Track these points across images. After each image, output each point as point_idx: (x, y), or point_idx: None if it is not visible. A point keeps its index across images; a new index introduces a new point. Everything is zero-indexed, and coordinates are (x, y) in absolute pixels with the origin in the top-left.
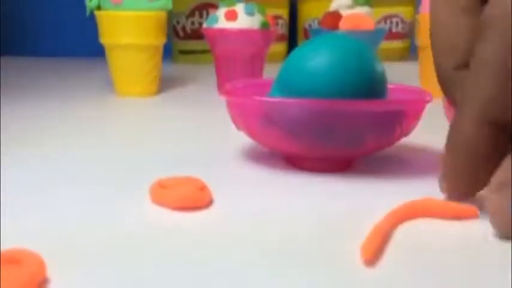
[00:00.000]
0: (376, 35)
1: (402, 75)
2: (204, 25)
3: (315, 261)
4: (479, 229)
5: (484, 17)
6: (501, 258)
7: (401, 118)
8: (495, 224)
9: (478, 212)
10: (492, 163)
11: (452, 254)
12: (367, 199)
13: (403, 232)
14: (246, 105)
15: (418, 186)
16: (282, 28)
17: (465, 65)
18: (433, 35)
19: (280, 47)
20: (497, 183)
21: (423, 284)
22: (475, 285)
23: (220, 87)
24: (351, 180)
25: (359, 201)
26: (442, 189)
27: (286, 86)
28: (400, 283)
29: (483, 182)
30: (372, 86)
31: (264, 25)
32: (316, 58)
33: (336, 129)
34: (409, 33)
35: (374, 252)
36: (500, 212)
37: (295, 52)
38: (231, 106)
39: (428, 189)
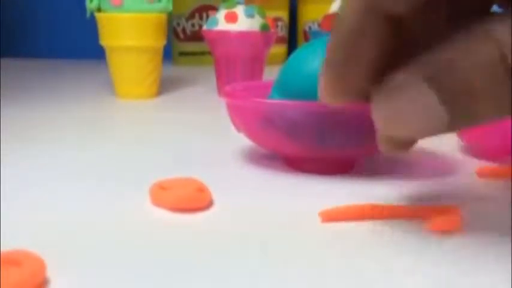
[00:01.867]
0: None
1: None
2: (204, 27)
3: (315, 262)
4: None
5: None
6: (501, 258)
7: None
8: (384, 128)
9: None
10: (372, 54)
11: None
12: (367, 200)
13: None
14: (246, 107)
15: (418, 188)
16: (282, 30)
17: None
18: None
19: (280, 49)
20: (385, 87)
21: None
22: (475, 286)
23: (220, 89)
24: (350, 182)
25: (360, 201)
26: (320, 88)
27: (285, 88)
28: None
29: (358, 75)
30: None
31: (264, 27)
32: (316, 60)
33: (335, 131)
34: None
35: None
36: (390, 115)
37: (295, 54)
38: (230, 108)
39: (428, 189)
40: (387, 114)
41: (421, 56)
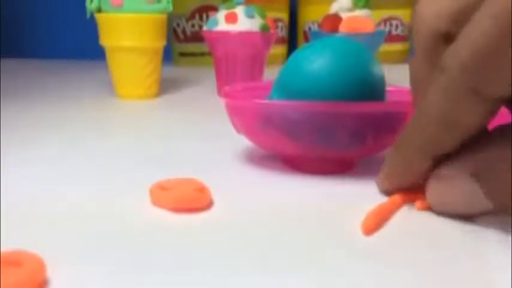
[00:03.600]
0: (375, 38)
1: (402, 78)
2: (204, 28)
3: (315, 263)
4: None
5: (441, 62)
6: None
7: (400, 120)
8: (437, 211)
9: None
10: (421, 176)
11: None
12: (367, 200)
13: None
14: (245, 107)
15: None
16: (282, 31)
17: None
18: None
19: (280, 50)
20: (436, 176)
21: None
22: (476, 285)
23: (220, 89)
24: (350, 182)
25: (359, 203)
26: (383, 186)
27: (285, 89)
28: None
29: (412, 184)
30: (370, 89)
31: (264, 28)
32: (315, 61)
33: (336, 132)
34: (408, 36)
35: (373, 228)
36: (441, 201)
37: (295, 55)
38: (230, 109)
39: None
40: (437, 201)
41: (465, 152)
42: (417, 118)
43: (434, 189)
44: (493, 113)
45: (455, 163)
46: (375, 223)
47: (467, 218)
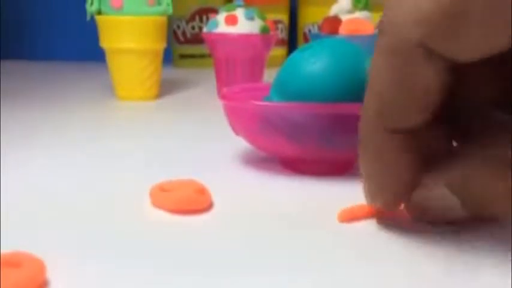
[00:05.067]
0: (376, 40)
1: None
2: (204, 30)
3: (315, 263)
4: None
5: (381, 25)
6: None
7: None
8: (416, 217)
9: None
10: (402, 164)
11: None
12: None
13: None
14: (243, 109)
15: None
16: (281, 33)
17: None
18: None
19: (280, 52)
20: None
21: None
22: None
23: (220, 91)
24: (349, 183)
25: (358, 204)
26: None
27: (283, 90)
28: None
29: (402, 184)
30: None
31: (264, 30)
32: (313, 62)
33: (334, 132)
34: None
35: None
36: (422, 207)
37: (293, 56)
38: (228, 110)
39: None
40: (417, 209)
41: (440, 163)
42: (367, 94)
43: (414, 197)
44: (449, 69)
45: (433, 172)
46: (351, 213)
47: (447, 225)
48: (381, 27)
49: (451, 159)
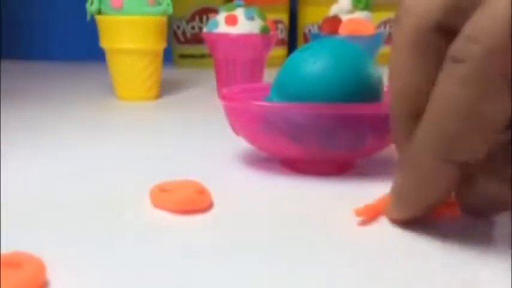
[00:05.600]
0: (375, 40)
1: None
2: (205, 30)
3: (315, 263)
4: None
5: (455, 52)
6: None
7: None
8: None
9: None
10: (445, 195)
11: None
12: (366, 201)
13: None
14: (244, 110)
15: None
16: (281, 33)
17: (418, 114)
18: (390, 77)
19: (280, 52)
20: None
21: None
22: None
23: (220, 91)
24: (349, 183)
25: (358, 204)
26: (396, 214)
27: (283, 90)
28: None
29: (431, 209)
30: (367, 90)
31: (264, 30)
32: (313, 62)
33: (334, 133)
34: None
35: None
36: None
37: (293, 56)
38: (228, 111)
39: None
40: (470, 207)
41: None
42: (430, 119)
43: (466, 195)
44: None
45: (488, 171)
46: (367, 210)
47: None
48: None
49: (505, 157)
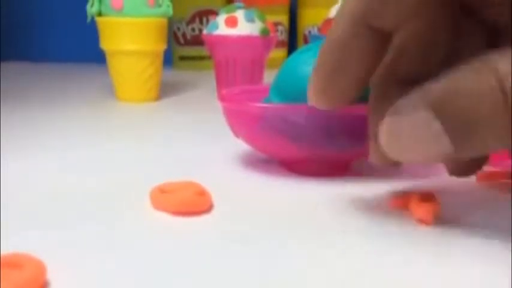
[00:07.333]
0: None
1: None
2: (205, 31)
3: (315, 263)
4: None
5: None
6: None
7: None
8: (388, 146)
9: None
10: (358, 65)
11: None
12: (365, 202)
13: None
14: (243, 111)
15: (416, 188)
16: (281, 34)
17: None
18: None
19: (280, 53)
20: (393, 108)
21: None
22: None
23: (220, 93)
24: (348, 184)
25: (357, 204)
26: (309, 92)
27: (283, 92)
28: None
29: (346, 82)
30: (366, 90)
31: (264, 31)
32: (312, 63)
33: (334, 134)
34: None
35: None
36: (394, 136)
37: (292, 58)
38: (227, 112)
39: (426, 191)
40: (392, 140)
41: (422, 81)
42: None
43: (389, 126)
44: None
45: (411, 95)
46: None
47: (426, 163)
48: None
49: (439, 77)
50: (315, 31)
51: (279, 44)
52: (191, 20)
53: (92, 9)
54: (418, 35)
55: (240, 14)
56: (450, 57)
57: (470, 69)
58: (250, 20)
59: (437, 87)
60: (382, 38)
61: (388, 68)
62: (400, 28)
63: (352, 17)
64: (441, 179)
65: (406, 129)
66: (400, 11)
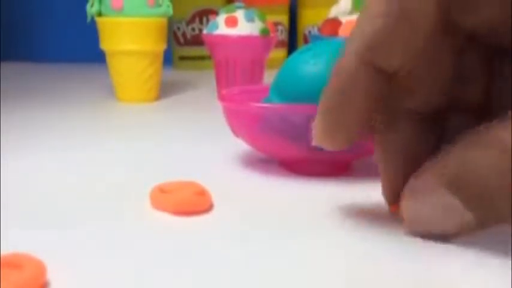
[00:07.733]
0: None
1: None
2: (205, 31)
3: (315, 264)
4: None
5: None
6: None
7: None
8: (411, 228)
9: None
10: (363, 105)
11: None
12: (364, 202)
13: None
14: (243, 111)
15: None
16: (282, 34)
17: None
18: None
19: (280, 53)
20: (410, 190)
21: None
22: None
23: (220, 93)
24: (348, 184)
25: (356, 204)
26: (314, 132)
27: (283, 92)
28: None
29: (351, 122)
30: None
31: (264, 31)
32: (313, 63)
33: None
34: None
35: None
36: (416, 218)
37: (292, 58)
38: (227, 112)
39: None
40: (414, 223)
41: (435, 155)
42: (356, 22)
43: (408, 211)
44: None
45: (426, 175)
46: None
47: (443, 238)
48: None
49: (446, 156)
50: (315, 31)
51: (279, 44)
52: (191, 20)
53: (92, 9)
54: (422, 71)
55: (240, 14)
56: (455, 83)
57: (477, 142)
58: (250, 20)
59: (449, 165)
60: (387, 77)
61: (391, 100)
62: (405, 67)
63: (359, 58)
64: None
65: (427, 212)
66: (407, 53)
